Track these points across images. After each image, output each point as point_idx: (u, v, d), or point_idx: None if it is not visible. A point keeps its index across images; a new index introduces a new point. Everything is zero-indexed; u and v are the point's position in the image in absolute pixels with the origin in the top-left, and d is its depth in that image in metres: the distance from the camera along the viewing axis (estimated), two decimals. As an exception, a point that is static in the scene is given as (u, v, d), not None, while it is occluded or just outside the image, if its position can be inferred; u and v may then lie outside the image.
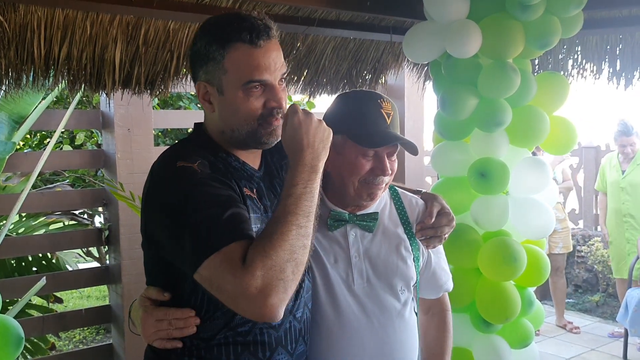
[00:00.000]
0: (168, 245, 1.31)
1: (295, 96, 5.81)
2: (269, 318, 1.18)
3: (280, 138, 1.40)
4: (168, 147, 1.50)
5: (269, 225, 1.25)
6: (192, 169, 1.30)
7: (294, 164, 1.31)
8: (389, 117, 1.52)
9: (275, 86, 1.37)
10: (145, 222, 1.39)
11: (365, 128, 1.51)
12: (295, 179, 1.28)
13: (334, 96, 3.54)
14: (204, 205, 1.24)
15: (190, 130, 5.09)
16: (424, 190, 1.82)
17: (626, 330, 4.58)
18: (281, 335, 1.42)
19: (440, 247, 1.78)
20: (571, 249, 5.46)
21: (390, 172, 1.56)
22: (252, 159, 1.48)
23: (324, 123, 1.36)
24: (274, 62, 1.36)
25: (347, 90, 3.45)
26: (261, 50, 1.34)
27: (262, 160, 1.52)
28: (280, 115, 1.38)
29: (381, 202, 1.67)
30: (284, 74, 1.40)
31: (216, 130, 1.43)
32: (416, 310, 1.71)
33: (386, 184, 1.59)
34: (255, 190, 1.43)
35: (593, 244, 6.02)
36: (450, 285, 1.81)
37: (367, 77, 3.53)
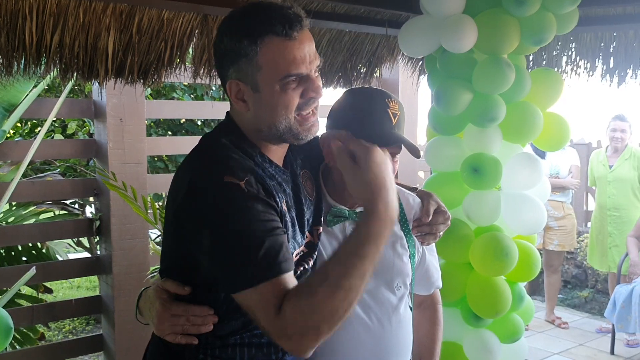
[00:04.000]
0: (204, 261, 1.27)
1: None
2: (298, 355, 1.21)
3: (315, 134, 1.37)
4: (207, 138, 1.40)
5: (318, 276, 1.20)
6: (239, 187, 1.22)
7: (370, 215, 1.20)
8: (395, 118, 1.50)
9: (312, 77, 1.31)
10: (180, 226, 1.31)
11: (370, 126, 1.48)
12: (367, 236, 1.19)
13: (329, 89, 3.54)
14: (245, 234, 1.20)
15: (182, 121, 5.05)
16: (419, 187, 1.83)
17: (614, 326, 4.62)
18: None
19: (433, 246, 1.80)
20: (569, 248, 5.44)
21: None
22: (280, 157, 1.43)
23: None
24: (309, 53, 1.28)
25: (340, 86, 3.47)
26: (296, 43, 1.26)
27: (286, 159, 1.47)
28: (315, 104, 1.34)
29: None
30: (318, 65, 1.34)
31: (250, 128, 1.36)
32: (411, 306, 1.73)
33: None
34: (285, 202, 1.37)
35: (583, 240, 6.06)
36: (440, 282, 1.85)
37: (361, 71, 3.52)
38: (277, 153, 1.41)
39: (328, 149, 1.56)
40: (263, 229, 1.21)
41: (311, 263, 1.46)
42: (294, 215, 1.40)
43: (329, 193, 1.62)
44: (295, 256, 1.37)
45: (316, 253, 1.50)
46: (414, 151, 1.52)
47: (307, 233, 1.47)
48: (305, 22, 1.29)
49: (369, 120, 1.49)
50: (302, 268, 1.41)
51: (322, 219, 1.55)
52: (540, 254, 5.37)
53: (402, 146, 1.53)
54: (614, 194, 5.11)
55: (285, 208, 1.34)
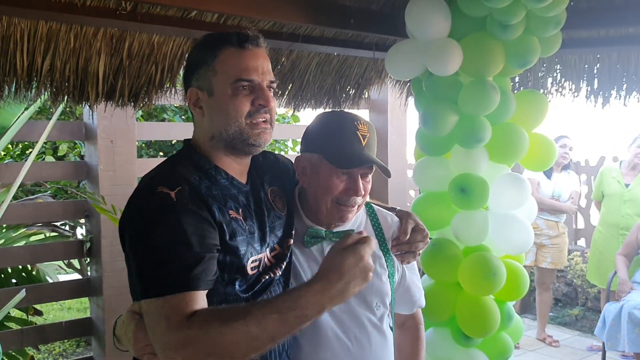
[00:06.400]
0: (128, 265, 1.36)
1: (280, 109, 5.83)
2: None
3: (268, 143, 1.44)
4: (165, 159, 1.52)
5: (232, 311, 1.24)
6: (169, 197, 1.30)
7: (315, 284, 1.23)
8: (364, 139, 1.55)
9: (263, 87, 1.41)
10: (123, 239, 1.41)
11: (339, 148, 1.54)
12: (300, 301, 1.21)
13: (318, 110, 3.59)
14: (163, 244, 1.27)
15: (174, 142, 5.10)
16: (398, 208, 1.85)
17: (604, 344, 4.63)
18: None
19: (414, 264, 1.81)
20: (560, 266, 5.45)
21: (363, 192, 1.58)
22: (240, 172, 1.50)
23: (370, 274, 1.27)
24: (262, 66, 1.42)
25: (330, 107, 3.52)
26: (249, 53, 1.40)
27: (249, 175, 1.53)
28: (268, 116, 1.42)
29: (357, 219, 1.70)
30: (272, 82, 1.44)
31: (205, 137, 1.44)
32: (392, 326, 1.73)
33: (359, 206, 1.62)
34: (240, 210, 1.43)
35: (572, 259, 6.09)
36: (423, 301, 1.85)
37: (350, 92, 3.57)
38: (233, 167, 1.47)
39: (302, 171, 1.60)
40: (182, 242, 1.27)
41: (279, 273, 1.50)
42: (252, 223, 1.45)
43: (305, 214, 1.65)
44: (253, 262, 1.42)
45: (285, 263, 1.53)
46: (385, 171, 1.57)
47: (275, 245, 1.52)
48: (260, 42, 1.43)
49: (339, 142, 1.55)
50: (267, 277, 1.46)
51: (293, 232, 1.60)
52: (532, 272, 5.40)
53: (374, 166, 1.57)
54: (629, 213, 5.00)
55: (236, 216, 1.41)
